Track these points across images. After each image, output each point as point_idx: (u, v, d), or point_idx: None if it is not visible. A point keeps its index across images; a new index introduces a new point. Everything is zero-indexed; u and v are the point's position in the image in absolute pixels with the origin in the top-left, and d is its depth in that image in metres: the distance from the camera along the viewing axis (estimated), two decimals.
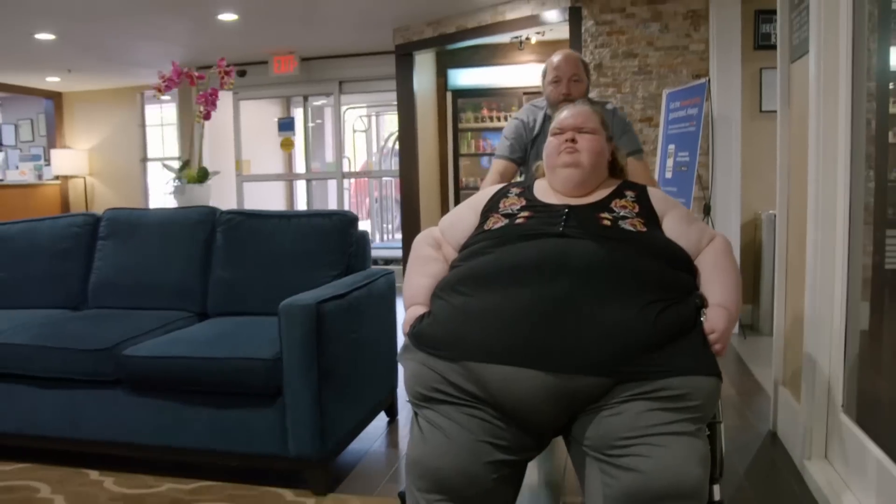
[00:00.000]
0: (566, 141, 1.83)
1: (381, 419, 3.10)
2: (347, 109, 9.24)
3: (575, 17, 4.95)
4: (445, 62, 7.12)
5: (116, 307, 3.12)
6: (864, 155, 2.29)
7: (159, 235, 3.17)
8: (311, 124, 9.17)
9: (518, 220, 1.72)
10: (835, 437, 2.35)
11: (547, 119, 2.75)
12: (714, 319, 1.55)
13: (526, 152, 2.81)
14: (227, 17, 5.61)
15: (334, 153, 8.10)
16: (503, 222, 1.73)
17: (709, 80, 4.49)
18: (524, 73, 6.82)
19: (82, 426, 2.63)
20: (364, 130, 9.61)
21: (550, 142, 1.89)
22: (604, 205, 1.74)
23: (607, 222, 1.66)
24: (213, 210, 3.17)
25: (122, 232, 3.24)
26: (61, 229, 3.34)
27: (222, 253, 3.04)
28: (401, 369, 1.73)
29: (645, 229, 1.66)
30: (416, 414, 1.58)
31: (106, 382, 2.58)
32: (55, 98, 9.27)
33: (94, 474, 2.64)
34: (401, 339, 1.77)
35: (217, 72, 3.48)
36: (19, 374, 2.67)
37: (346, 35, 6.50)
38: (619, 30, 4.91)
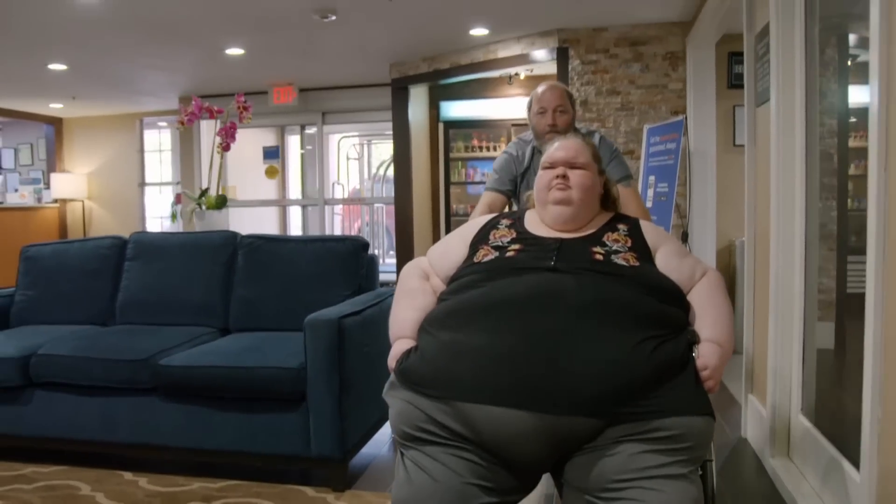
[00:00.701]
0: (557, 177, 1.79)
1: (388, 427, 3.39)
2: (342, 138, 9.58)
3: (562, 57, 5.32)
4: (438, 95, 7.48)
5: (143, 323, 3.38)
6: (818, 188, 2.64)
7: (183, 257, 3.45)
8: (301, 151, 9.49)
9: (508, 254, 1.68)
10: (795, 437, 2.67)
11: (535, 152, 2.78)
12: (707, 356, 1.54)
13: (516, 185, 2.83)
14: (235, 51, 5.93)
15: (319, 180, 8.41)
16: (493, 255, 1.69)
17: (686, 117, 4.86)
18: (513, 106, 7.20)
19: (118, 430, 2.89)
20: (357, 158, 9.93)
21: (541, 176, 1.84)
22: (596, 238, 1.72)
23: (599, 256, 1.63)
24: (234, 234, 3.46)
25: (148, 253, 3.52)
26: (90, 251, 3.61)
27: (243, 273, 3.33)
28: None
29: (638, 263, 1.63)
30: (401, 454, 1.53)
31: (142, 390, 2.85)
32: (55, 123, 9.52)
33: (128, 475, 2.89)
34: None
35: (236, 106, 3.77)
36: (60, 382, 2.93)
37: (344, 68, 6.84)
38: (604, 69, 5.28)
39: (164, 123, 9.82)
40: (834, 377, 2.72)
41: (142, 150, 9.54)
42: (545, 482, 2.05)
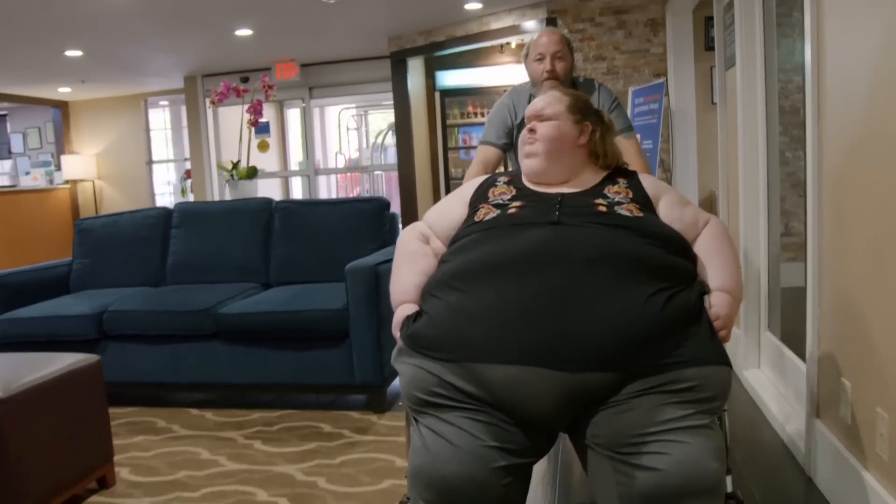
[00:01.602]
0: (528, 131, 1.80)
1: None
2: (342, 109, 9.96)
3: (551, 26, 5.72)
4: (434, 65, 7.87)
5: (192, 283, 3.83)
6: (778, 142, 3.09)
7: (224, 222, 3.89)
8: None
9: (510, 210, 1.65)
10: (763, 350, 3.16)
11: (532, 99, 2.65)
12: (719, 305, 1.55)
13: (512, 138, 2.71)
14: (243, 32, 6.30)
15: (321, 151, 8.78)
16: (494, 213, 1.67)
17: (666, 79, 5.29)
18: (505, 74, 7.62)
19: (184, 373, 3.35)
20: (356, 129, 10.31)
21: (522, 132, 1.85)
22: (597, 192, 1.70)
23: (603, 208, 1.60)
24: (270, 200, 3.90)
25: (193, 221, 3.96)
26: (139, 221, 4.05)
27: (280, 234, 3.78)
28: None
29: (642, 214, 1.61)
30: (415, 420, 1.48)
31: (204, 336, 3.31)
32: (62, 107, 9.84)
33: (195, 411, 3.36)
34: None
35: (261, 87, 4.18)
36: (131, 334, 3.39)
37: (345, 44, 7.21)
38: (590, 36, 5.69)
39: (165, 102, 10.15)
40: (800, 306, 3.21)
41: (147, 130, 9.88)
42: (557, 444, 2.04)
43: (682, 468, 1.27)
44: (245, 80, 8.16)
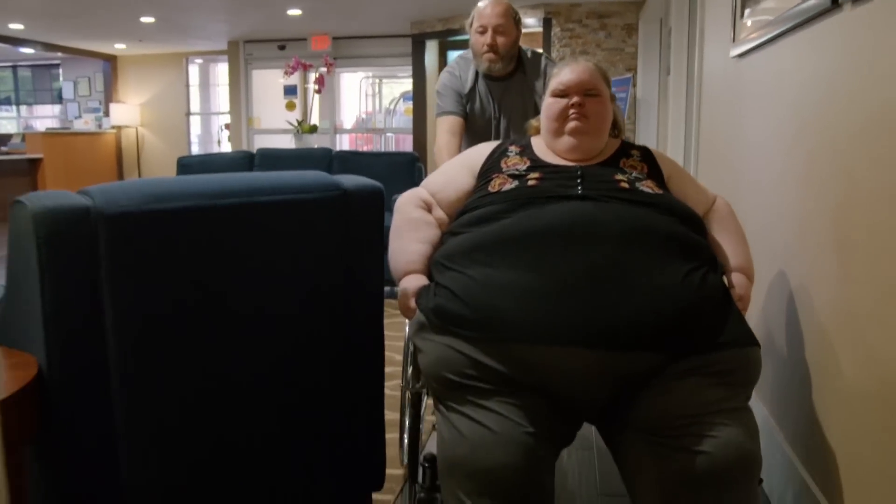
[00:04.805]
0: (573, 104, 1.65)
1: None
2: (363, 78, 11.26)
3: (547, 25, 7.08)
4: (446, 46, 9.20)
5: None
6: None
7: (297, 164, 5.25)
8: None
9: (530, 182, 1.57)
10: None
11: (478, 76, 2.62)
12: (740, 286, 1.55)
13: (464, 106, 2.61)
14: (294, 11, 7.59)
15: (342, 112, 10.02)
16: (512, 183, 1.58)
17: (635, 73, 6.66)
18: None
19: None
20: (373, 95, 11.64)
21: (553, 103, 1.69)
22: (613, 164, 1.65)
23: (625, 185, 1.54)
24: (330, 149, 5.29)
25: (270, 163, 5.32)
26: (228, 160, 5.43)
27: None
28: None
29: (661, 191, 1.57)
30: (443, 406, 1.38)
31: None
32: (112, 60, 11.08)
33: None
34: None
35: (324, 63, 5.51)
36: None
37: (372, 22, 8.51)
38: (577, 35, 7.05)
39: (200, 60, 11.39)
40: None
41: (187, 85, 11.14)
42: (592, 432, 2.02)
43: (728, 450, 1.24)
44: (282, 48, 9.43)
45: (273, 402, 1.49)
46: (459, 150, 2.47)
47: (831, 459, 1.60)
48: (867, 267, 1.44)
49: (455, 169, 1.77)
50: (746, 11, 2.51)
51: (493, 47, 2.48)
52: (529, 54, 2.65)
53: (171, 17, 7.89)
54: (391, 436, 1.87)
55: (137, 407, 1.29)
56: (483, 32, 2.49)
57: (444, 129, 2.61)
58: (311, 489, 1.59)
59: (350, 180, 1.63)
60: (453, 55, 9.33)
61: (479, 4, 2.55)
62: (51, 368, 1.20)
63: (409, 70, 8.79)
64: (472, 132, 2.66)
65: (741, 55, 2.60)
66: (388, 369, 1.81)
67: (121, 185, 1.30)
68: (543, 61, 2.63)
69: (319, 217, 1.53)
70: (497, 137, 2.65)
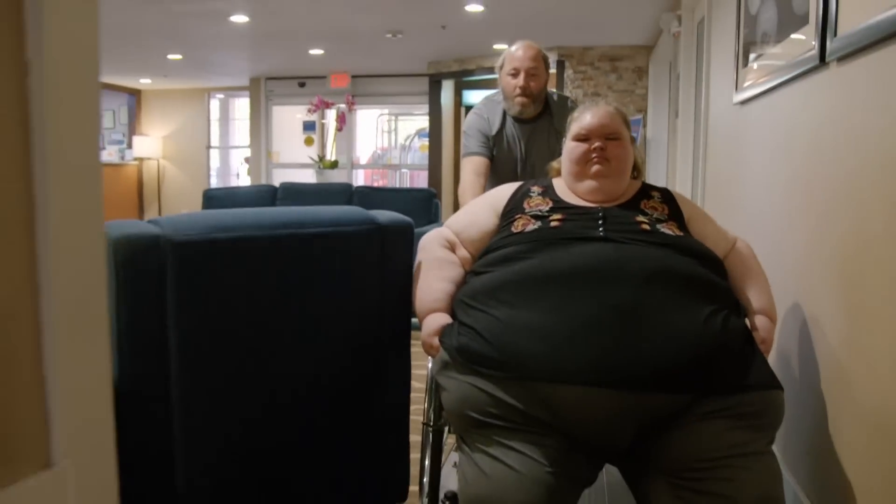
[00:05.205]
0: (595, 149, 1.69)
1: None
2: (380, 115, 11.55)
3: (560, 67, 7.31)
4: (461, 85, 9.46)
5: None
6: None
7: (317, 199, 5.46)
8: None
9: (552, 223, 1.59)
10: None
11: (506, 118, 2.66)
12: (764, 329, 1.55)
13: (491, 148, 2.66)
14: (316, 52, 7.87)
15: (357, 148, 10.30)
16: (535, 224, 1.60)
17: (645, 114, 6.86)
18: None
19: None
20: (389, 132, 11.91)
21: (575, 147, 1.72)
22: (634, 205, 1.67)
23: (646, 226, 1.56)
24: (349, 185, 5.49)
25: (292, 196, 5.53)
26: (253, 193, 5.64)
27: None
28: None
29: (681, 233, 1.58)
30: (466, 445, 1.40)
31: None
32: (136, 94, 11.42)
33: None
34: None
35: (346, 102, 5.74)
36: None
37: (391, 63, 8.79)
38: (590, 77, 7.27)
39: (221, 95, 11.71)
40: None
41: (208, 119, 11.45)
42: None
43: (751, 495, 1.23)
44: (302, 84, 9.72)
45: (309, 418, 1.64)
46: (484, 191, 2.52)
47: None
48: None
49: (479, 208, 1.81)
50: (750, 57, 2.69)
51: (525, 90, 2.53)
52: (556, 97, 2.74)
53: (197, 54, 8.20)
54: (414, 456, 1.91)
55: (193, 420, 1.45)
56: (515, 75, 2.54)
57: (469, 169, 2.65)
58: (341, 500, 1.73)
59: (383, 215, 1.79)
60: (468, 94, 9.60)
61: (511, 48, 2.62)
62: (121, 382, 1.35)
63: (424, 108, 9.05)
64: (498, 173, 2.70)
65: (743, 102, 2.78)
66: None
67: (186, 215, 1.48)
68: (570, 104, 2.70)
69: (358, 248, 1.69)
70: (523, 178, 2.69)
